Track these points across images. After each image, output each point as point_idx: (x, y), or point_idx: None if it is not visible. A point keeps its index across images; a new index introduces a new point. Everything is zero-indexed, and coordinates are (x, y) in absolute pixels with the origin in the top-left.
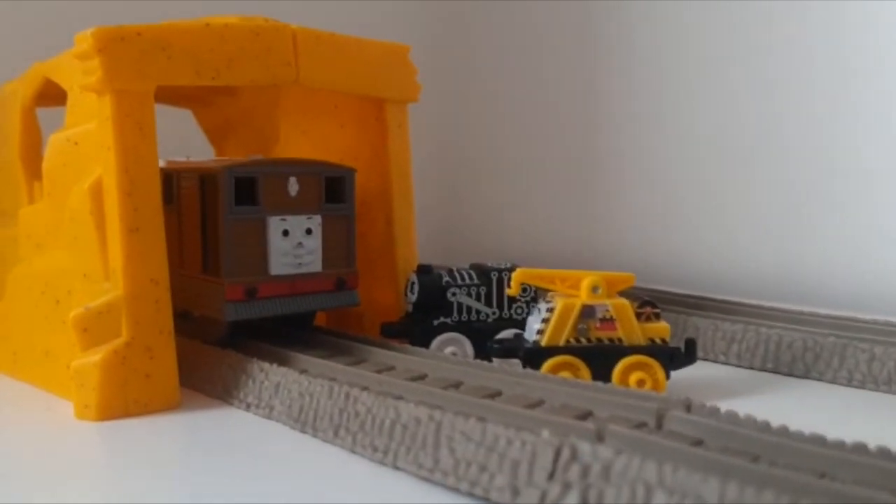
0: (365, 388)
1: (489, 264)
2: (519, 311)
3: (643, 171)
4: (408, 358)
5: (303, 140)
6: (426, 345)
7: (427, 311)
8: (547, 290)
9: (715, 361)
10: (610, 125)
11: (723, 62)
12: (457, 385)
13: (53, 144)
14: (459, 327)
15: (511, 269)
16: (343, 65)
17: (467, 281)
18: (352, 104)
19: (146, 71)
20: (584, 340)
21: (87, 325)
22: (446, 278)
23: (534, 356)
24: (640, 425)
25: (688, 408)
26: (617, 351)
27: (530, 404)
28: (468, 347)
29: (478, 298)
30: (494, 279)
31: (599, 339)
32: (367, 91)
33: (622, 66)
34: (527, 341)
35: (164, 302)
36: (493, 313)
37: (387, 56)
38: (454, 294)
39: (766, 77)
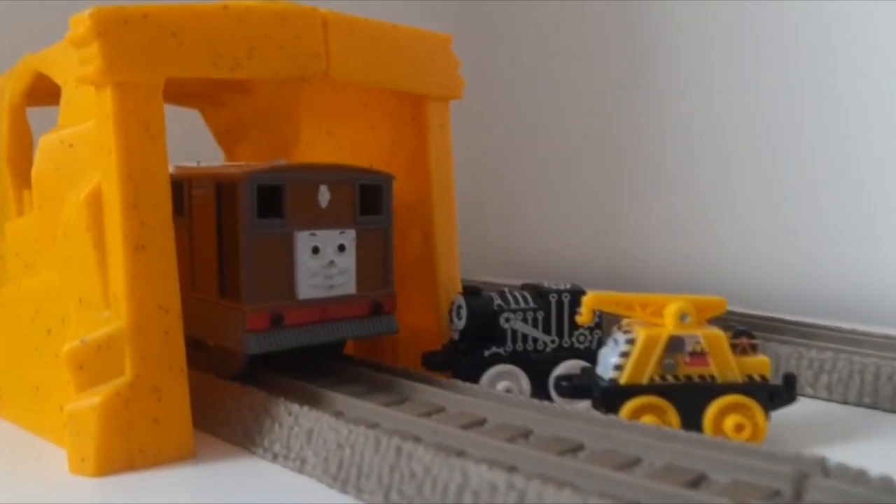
0: (417, 440)
1: (546, 285)
2: (581, 339)
3: (671, 181)
4: (458, 397)
5: (327, 143)
6: (475, 379)
7: (476, 340)
8: (620, 317)
9: (801, 394)
10: (637, 134)
11: (756, 70)
12: (526, 434)
13: (45, 147)
14: (514, 358)
15: (572, 291)
16: (379, 56)
17: (522, 304)
18: (385, 102)
19: (153, 60)
20: (670, 378)
21: (84, 362)
22: (498, 301)
23: (612, 397)
24: (774, 495)
25: (825, 471)
26: (709, 390)
27: (625, 463)
28: (524, 382)
29: (534, 325)
30: (553, 302)
31: (689, 377)
32: (406, 86)
33: (650, 73)
34: (601, 378)
35: (175, 333)
36: (552, 342)
37: (427, 46)
38: (507, 320)
39: (805, 84)
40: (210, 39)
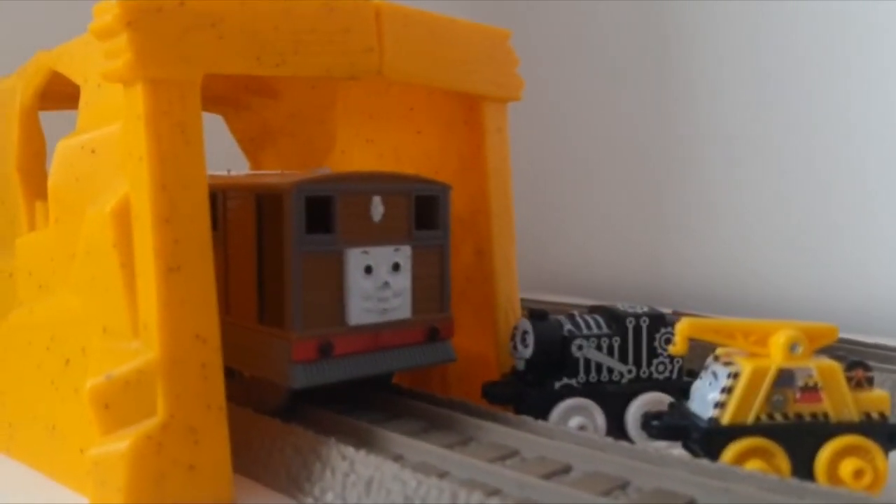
0: (496, 494)
1: (620, 307)
2: (661, 368)
3: (709, 192)
4: (532, 438)
5: (366, 150)
6: (544, 414)
7: (545, 370)
8: (715, 345)
9: None
10: (672, 145)
11: (792, 84)
12: (623, 486)
13: (62, 154)
14: (587, 391)
15: (651, 315)
16: (435, 52)
17: (595, 330)
18: (435, 104)
19: (191, 54)
20: (779, 417)
21: (110, 400)
22: (568, 326)
23: (713, 439)
24: None
25: None
26: (823, 430)
27: None
28: (599, 418)
29: (609, 353)
30: (630, 327)
31: (799, 415)
32: (463, 86)
33: (686, 86)
34: (699, 417)
35: (214, 366)
36: (629, 372)
37: (485, 42)
38: (580, 347)
39: (847, 97)
40: (253, 31)
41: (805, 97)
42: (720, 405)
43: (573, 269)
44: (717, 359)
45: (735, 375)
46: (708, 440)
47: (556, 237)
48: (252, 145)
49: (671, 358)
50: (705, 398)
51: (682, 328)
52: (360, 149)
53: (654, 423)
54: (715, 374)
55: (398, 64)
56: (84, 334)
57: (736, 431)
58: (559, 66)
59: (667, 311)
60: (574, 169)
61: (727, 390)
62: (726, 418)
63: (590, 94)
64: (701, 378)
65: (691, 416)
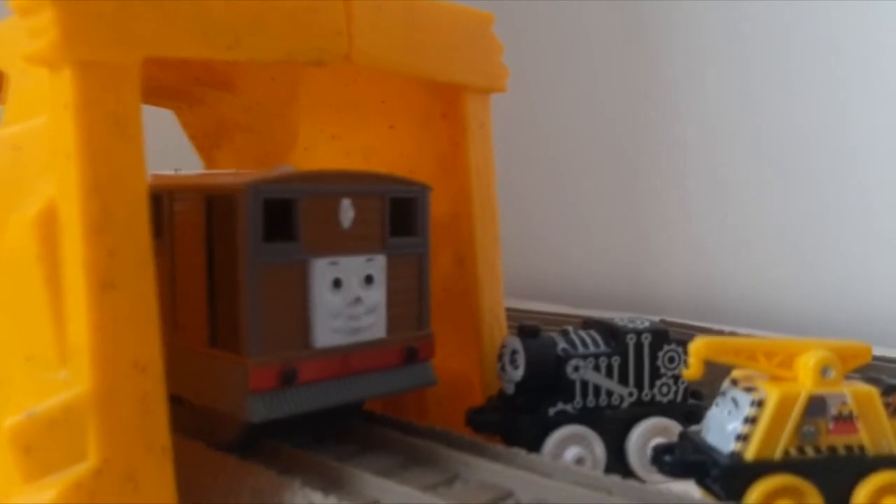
0: None
1: (619, 322)
2: (664, 390)
3: (693, 199)
4: (528, 477)
5: (332, 148)
6: (537, 444)
7: (537, 394)
8: (731, 367)
9: None
10: (655, 150)
11: (788, 78)
12: None
13: None
14: (584, 417)
15: (653, 331)
16: (411, 37)
17: (592, 348)
18: (410, 96)
19: (128, 32)
20: (810, 450)
21: (32, 442)
22: (563, 345)
23: (736, 477)
24: None
25: None
26: (859, 465)
27: None
28: (598, 448)
29: (609, 374)
30: (631, 344)
31: (833, 448)
32: (443, 75)
33: (669, 88)
34: (717, 452)
35: (156, 399)
36: (629, 395)
37: (466, 27)
38: (577, 368)
39: (841, 96)
40: (203, 7)
41: (793, 98)
42: (743, 437)
43: (549, 274)
44: (735, 383)
45: (759, 403)
46: (730, 478)
47: (532, 241)
48: (206, 142)
49: (675, 378)
50: (724, 429)
51: (697, 349)
52: (326, 145)
53: (667, 458)
54: (735, 402)
55: (369, 48)
56: (4, 362)
57: (762, 468)
58: (537, 60)
59: (653, 319)
60: (550, 169)
61: (751, 420)
62: (751, 453)
63: (568, 91)
64: (717, 405)
65: (708, 450)
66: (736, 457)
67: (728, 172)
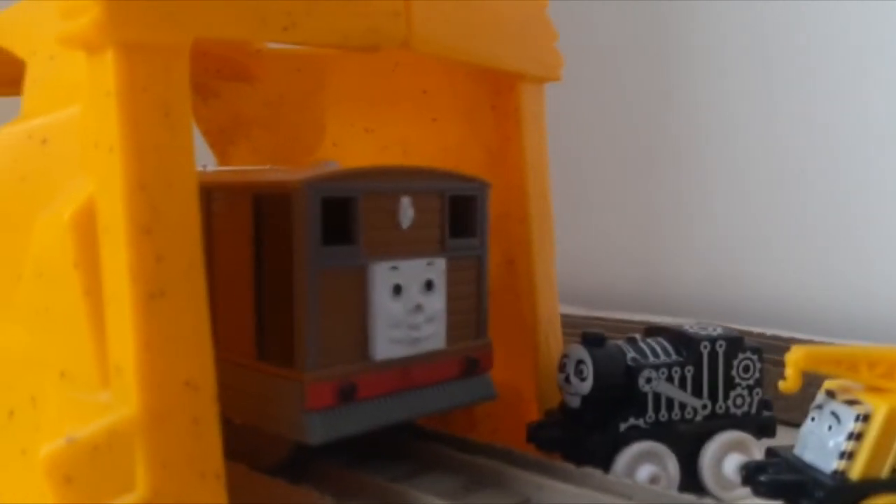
0: None
1: (690, 329)
2: (738, 402)
3: (706, 198)
4: (608, 500)
5: (366, 142)
6: (606, 462)
7: (607, 408)
8: (826, 378)
9: None
10: (671, 149)
11: (797, 84)
12: None
13: (2, 147)
14: (657, 432)
15: (728, 338)
16: (469, 21)
17: (663, 358)
18: (454, 86)
19: (179, 11)
20: None
21: (73, 471)
22: (632, 354)
23: (842, 498)
24: None
25: None
26: None
27: None
28: (671, 466)
29: (682, 385)
30: (705, 353)
31: None
32: (500, 62)
33: (684, 87)
34: (818, 471)
35: (209, 422)
36: (704, 407)
37: (521, 12)
38: (649, 380)
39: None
40: None
41: (815, 95)
42: (847, 455)
43: (561, 275)
44: (832, 395)
45: (865, 418)
46: (835, 499)
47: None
48: (221, 138)
49: (750, 389)
50: (825, 446)
51: (795, 359)
52: (358, 140)
53: (762, 478)
54: (836, 416)
55: (428, 33)
56: (34, 380)
57: (869, 487)
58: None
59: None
60: (568, 168)
61: (856, 436)
62: (856, 472)
63: (588, 89)
64: (813, 419)
65: (806, 469)
66: (840, 476)
67: (748, 170)
